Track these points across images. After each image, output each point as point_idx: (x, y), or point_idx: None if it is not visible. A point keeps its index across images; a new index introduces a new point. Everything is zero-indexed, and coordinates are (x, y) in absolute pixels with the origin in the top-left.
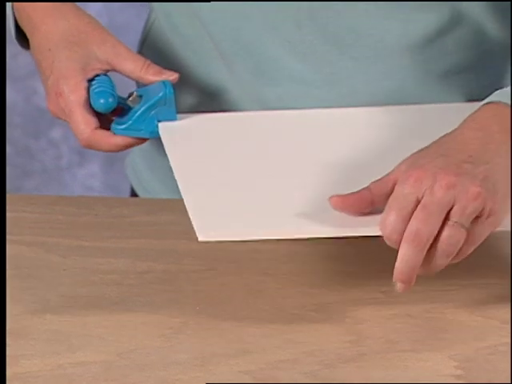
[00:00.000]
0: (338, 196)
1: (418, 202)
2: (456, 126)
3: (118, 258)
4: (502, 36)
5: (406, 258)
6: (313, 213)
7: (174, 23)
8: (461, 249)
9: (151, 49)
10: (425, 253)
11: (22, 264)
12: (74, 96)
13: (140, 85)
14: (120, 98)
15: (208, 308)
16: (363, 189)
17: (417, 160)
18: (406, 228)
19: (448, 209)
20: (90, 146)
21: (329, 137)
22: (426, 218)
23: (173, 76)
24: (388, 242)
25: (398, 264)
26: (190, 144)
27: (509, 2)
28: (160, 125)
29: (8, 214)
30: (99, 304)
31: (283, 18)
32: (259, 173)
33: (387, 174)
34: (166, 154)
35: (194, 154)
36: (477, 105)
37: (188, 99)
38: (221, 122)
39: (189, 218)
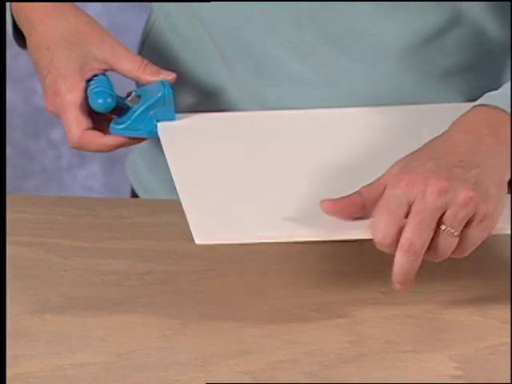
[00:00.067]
0: (329, 200)
1: (409, 205)
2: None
3: (118, 259)
4: (502, 36)
5: (401, 265)
6: (310, 215)
7: (173, 24)
8: (455, 252)
9: (151, 49)
10: (420, 259)
11: (22, 264)
12: (70, 96)
13: (139, 84)
14: (119, 97)
15: (208, 308)
16: (354, 193)
17: (407, 163)
18: (397, 231)
19: (440, 214)
20: (79, 147)
21: (327, 137)
22: (419, 227)
23: (170, 76)
24: (379, 247)
25: (395, 269)
26: (188, 144)
27: (508, 3)
28: (159, 125)
29: (8, 215)
30: (99, 305)
31: (283, 18)
32: (257, 174)
33: (378, 179)
34: None
35: (192, 154)
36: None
37: (188, 99)
38: (220, 122)
39: None
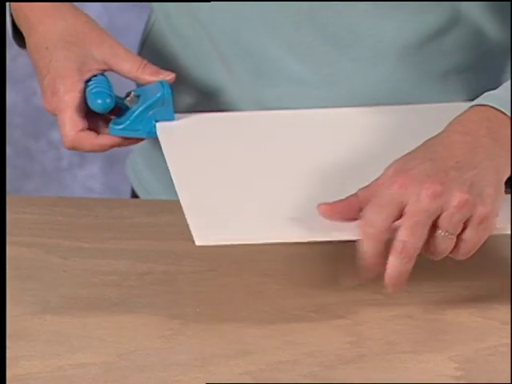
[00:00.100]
0: (326, 204)
1: (402, 206)
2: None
3: (119, 260)
4: (502, 37)
5: (394, 267)
6: (310, 216)
7: (173, 24)
8: (457, 254)
9: (151, 50)
10: (413, 261)
11: (22, 265)
12: (67, 96)
13: (139, 84)
14: (118, 97)
15: (208, 309)
16: (351, 195)
17: (403, 164)
18: (385, 225)
19: (435, 217)
20: (73, 148)
21: (326, 137)
22: (413, 229)
23: (169, 76)
24: (361, 234)
25: (387, 272)
26: (187, 144)
27: (507, 3)
28: (158, 125)
29: (8, 215)
30: (99, 305)
31: (282, 18)
32: (256, 174)
33: (375, 180)
34: None
35: (191, 154)
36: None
37: (187, 99)
38: (219, 122)
39: None
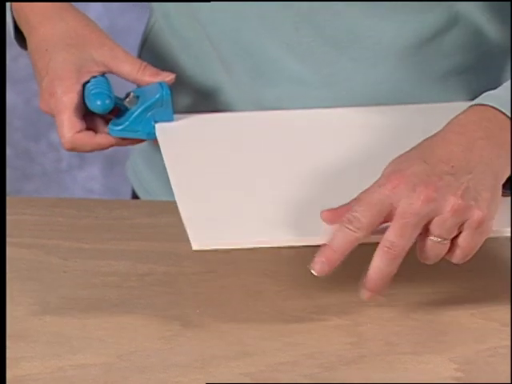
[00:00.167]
0: (328, 210)
1: (392, 207)
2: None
3: (119, 260)
4: (501, 37)
5: (378, 267)
6: (309, 219)
7: (173, 25)
8: (456, 258)
9: (151, 51)
10: (398, 263)
11: (22, 266)
12: (65, 98)
13: (138, 85)
14: (117, 98)
15: (208, 310)
16: (352, 200)
17: (397, 164)
18: (368, 222)
19: (426, 221)
20: (73, 149)
21: (326, 138)
22: (402, 231)
23: (169, 77)
24: (345, 222)
25: (369, 272)
26: (186, 145)
27: (507, 4)
28: (157, 126)
29: (8, 217)
30: (99, 306)
31: (282, 19)
32: (255, 175)
33: (374, 182)
34: None
35: (190, 155)
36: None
37: (187, 100)
38: (218, 123)
39: None
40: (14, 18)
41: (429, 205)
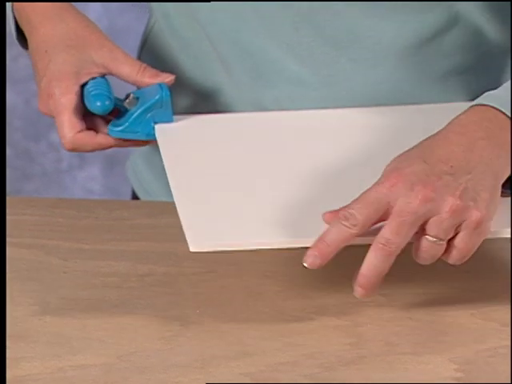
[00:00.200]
0: (331, 212)
1: (389, 205)
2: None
3: (119, 261)
4: (501, 38)
5: (372, 264)
6: (308, 220)
7: (172, 25)
8: (452, 259)
9: (151, 51)
10: (392, 261)
11: (22, 266)
12: (64, 99)
13: (138, 86)
14: (117, 99)
15: (208, 310)
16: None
17: (397, 163)
18: (364, 220)
19: (422, 221)
20: (74, 149)
21: (326, 138)
22: (398, 229)
23: (169, 78)
24: (341, 219)
25: (362, 268)
26: (185, 147)
27: (507, 4)
28: (156, 127)
29: (8, 217)
30: (99, 307)
31: (281, 19)
32: (255, 177)
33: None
34: None
35: (189, 157)
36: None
37: (186, 101)
38: (217, 124)
39: None
40: (15, 19)
41: (426, 204)
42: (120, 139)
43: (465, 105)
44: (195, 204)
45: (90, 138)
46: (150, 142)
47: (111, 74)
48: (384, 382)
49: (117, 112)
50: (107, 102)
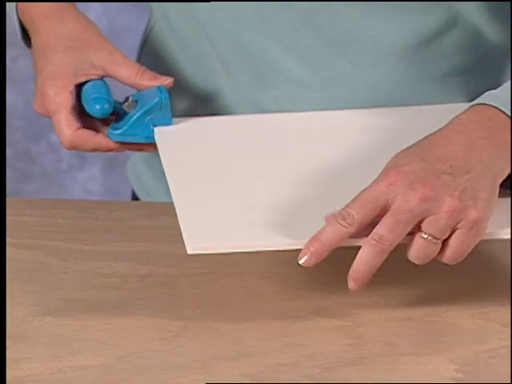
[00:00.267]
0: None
1: (387, 203)
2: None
3: (119, 262)
4: (501, 39)
5: (364, 259)
6: (308, 223)
7: (172, 26)
8: (447, 258)
9: (151, 52)
10: (384, 257)
11: (22, 267)
12: (59, 98)
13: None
14: (116, 102)
15: (208, 311)
16: None
17: (396, 161)
18: (362, 219)
19: (419, 220)
20: (73, 147)
21: (326, 140)
22: (393, 226)
23: (167, 81)
24: (338, 218)
25: (355, 262)
26: (184, 149)
27: (506, 5)
28: (156, 129)
29: (8, 218)
30: (99, 307)
31: (281, 20)
32: (254, 179)
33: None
34: None
35: (189, 160)
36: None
37: (186, 102)
38: (216, 127)
39: None
40: (19, 19)
41: (424, 204)
42: (119, 143)
43: (464, 106)
44: (194, 206)
45: (88, 136)
46: (150, 148)
47: (110, 76)
48: (384, 383)
49: (116, 115)
50: (106, 106)
